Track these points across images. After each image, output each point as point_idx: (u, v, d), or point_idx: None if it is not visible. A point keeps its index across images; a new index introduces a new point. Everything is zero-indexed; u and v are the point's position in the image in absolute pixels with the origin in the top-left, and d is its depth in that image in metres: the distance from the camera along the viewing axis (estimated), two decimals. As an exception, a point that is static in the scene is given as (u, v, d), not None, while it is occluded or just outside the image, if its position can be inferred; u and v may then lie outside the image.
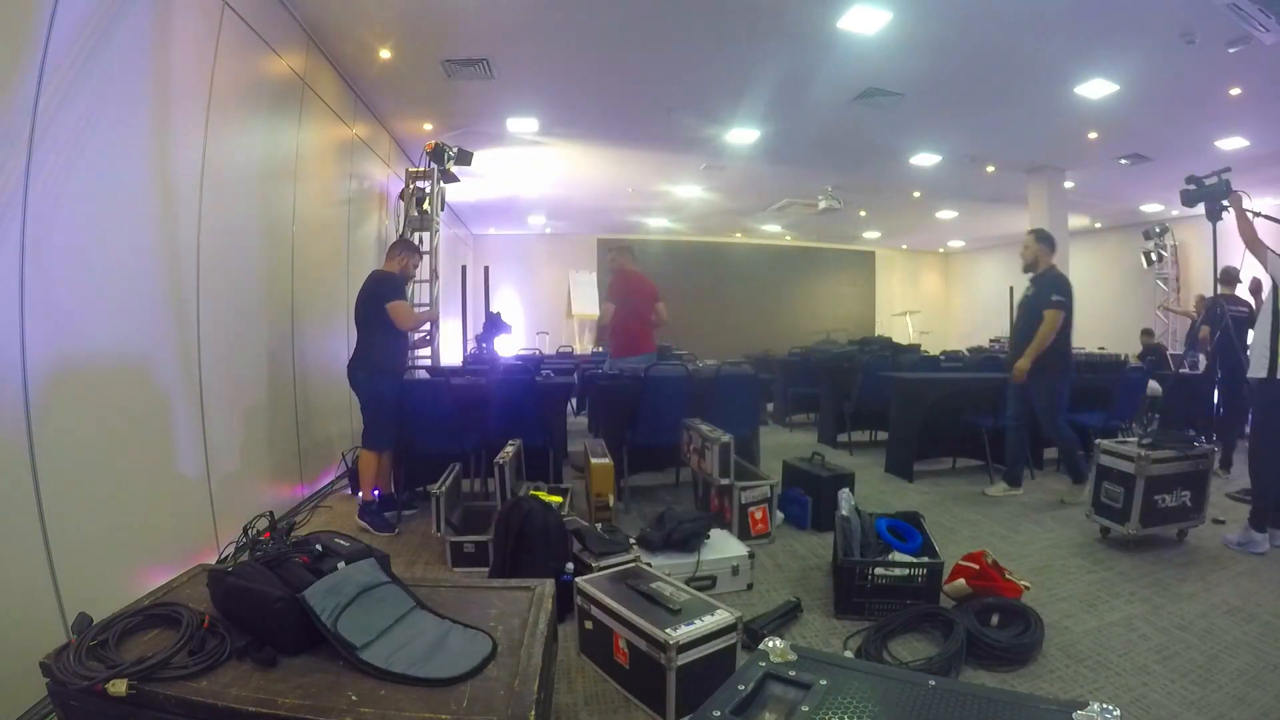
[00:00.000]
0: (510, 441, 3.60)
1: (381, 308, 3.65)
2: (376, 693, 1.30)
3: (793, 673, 1.13)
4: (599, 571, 2.42)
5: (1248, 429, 4.39)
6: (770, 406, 7.77)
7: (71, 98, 2.08)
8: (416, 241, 6.28)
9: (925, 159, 7.50)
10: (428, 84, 5.26)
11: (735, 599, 2.72)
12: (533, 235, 13.02)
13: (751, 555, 2.91)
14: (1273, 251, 3.23)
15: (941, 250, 15.69)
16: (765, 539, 3.48)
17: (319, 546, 1.64)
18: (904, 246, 15.37)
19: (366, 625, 1.45)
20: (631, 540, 2.83)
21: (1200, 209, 3.73)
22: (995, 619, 2.40)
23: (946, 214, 11.12)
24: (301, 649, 1.42)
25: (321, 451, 4.48)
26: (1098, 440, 3.60)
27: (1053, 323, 4.06)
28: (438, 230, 6.33)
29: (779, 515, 3.71)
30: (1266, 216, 3.61)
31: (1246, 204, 3.48)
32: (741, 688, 1.09)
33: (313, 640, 1.42)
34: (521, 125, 6.33)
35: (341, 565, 1.58)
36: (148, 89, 2.56)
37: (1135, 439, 3.50)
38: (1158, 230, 10.39)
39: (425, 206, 6.27)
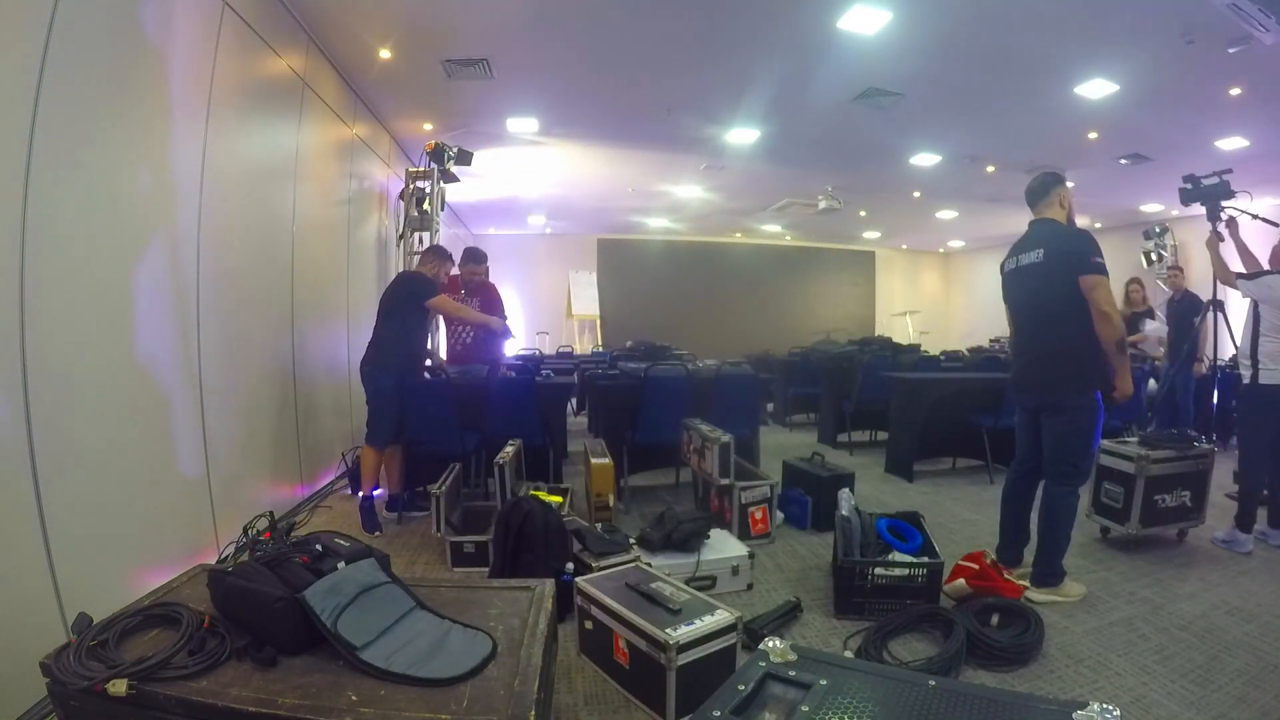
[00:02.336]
0: (510, 441, 3.61)
1: (410, 304, 3.75)
2: (376, 693, 1.30)
3: (793, 673, 1.13)
4: (599, 571, 2.42)
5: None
6: (770, 406, 7.77)
7: (72, 97, 2.08)
8: (416, 242, 6.31)
9: (925, 159, 7.49)
10: (428, 84, 5.25)
11: (735, 599, 2.72)
12: (533, 235, 13.00)
13: (751, 555, 2.91)
14: (1241, 277, 3.49)
15: (941, 250, 15.67)
16: (765, 539, 3.48)
17: (319, 546, 1.65)
18: (904, 246, 15.36)
19: (366, 625, 1.45)
20: (631, 540, 2.83)
21: (1201, 209, 3.74)
22: (995, 619, 2.40)
23: (946, 214, 11.11)
24: (301, 649, 1.42)
25: (321, 451, 4.48)
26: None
27: None
28: (438, 230, 6.32)
29: (779, 515, 3.71)
30: (1265, 219, 3.62)
31: (1245, 207, 3.54)
32: (741, 688, 1.09)
33: (313, 640, 1.42)
34: (521, 125, 6.32)
35: (341, 565, 1.58)
36: (147, 89, 2.56)
37: (1135, 439, 3.50)
38: (1158, 230, 10.37)
39: (425, 206, 6.27)
